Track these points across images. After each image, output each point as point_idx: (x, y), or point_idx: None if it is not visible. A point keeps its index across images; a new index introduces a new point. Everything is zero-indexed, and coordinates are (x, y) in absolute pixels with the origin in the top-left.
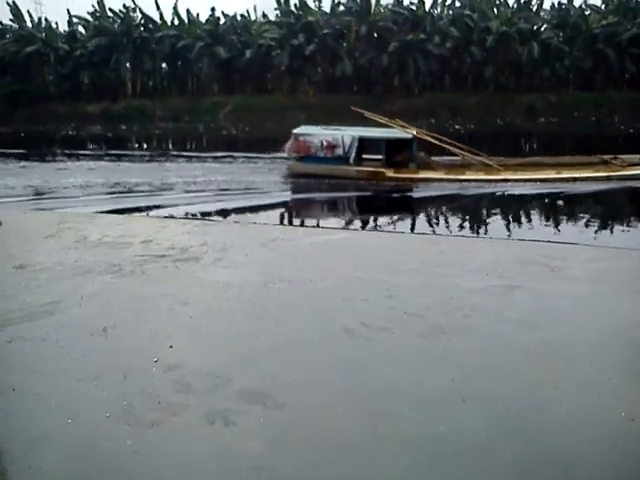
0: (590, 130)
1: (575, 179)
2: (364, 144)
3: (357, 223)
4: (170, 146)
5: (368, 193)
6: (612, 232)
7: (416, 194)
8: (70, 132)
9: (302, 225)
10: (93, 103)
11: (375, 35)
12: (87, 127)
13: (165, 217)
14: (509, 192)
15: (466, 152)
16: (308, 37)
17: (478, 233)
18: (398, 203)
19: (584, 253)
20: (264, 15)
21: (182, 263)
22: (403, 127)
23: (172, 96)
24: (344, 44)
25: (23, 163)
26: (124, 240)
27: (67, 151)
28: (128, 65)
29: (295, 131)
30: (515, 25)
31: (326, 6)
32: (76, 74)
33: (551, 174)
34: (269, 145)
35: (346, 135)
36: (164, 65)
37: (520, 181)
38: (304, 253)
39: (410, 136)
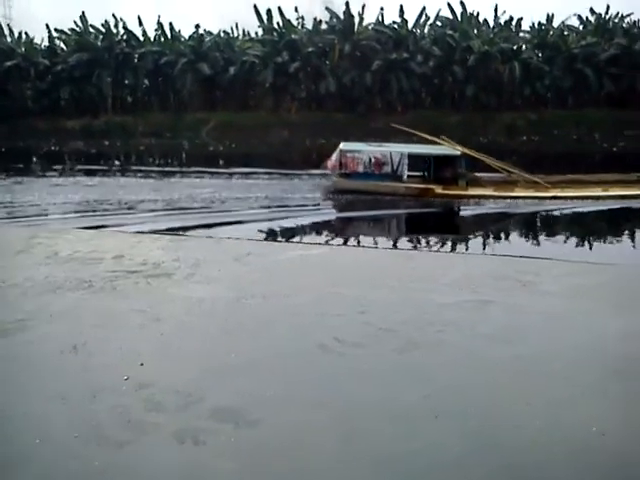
0: (572, 148)
1: (623, 197)
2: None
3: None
4: (166, 161)
5: (428, 209)
6: None
7: (473, 211)
8: (53, 148)
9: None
10: (73, 119)
11: (358, 54)
12: (69, 143)
13: (137, 232)
14: (577, 209)
15: (512, 170)
16: (292, 55)
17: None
18: (463, 221)
19: None
20: (245, 33)
21: (154, 279)
22: (449, 143)
23: (154, 112)
24: (327, 62)
25: (14, 179)
26: (95, 256)
27: (57, 166)
28: (109, 80)
29: (342, 147)
30: (497, 45)
31: (309, 24)
32: (56, 89)
33: (598, 191)
34: (262, 160)
35: (394, 152)
36: (146, 81)
37: (570, 198)
38: (280, 268)
39: (458, 153)
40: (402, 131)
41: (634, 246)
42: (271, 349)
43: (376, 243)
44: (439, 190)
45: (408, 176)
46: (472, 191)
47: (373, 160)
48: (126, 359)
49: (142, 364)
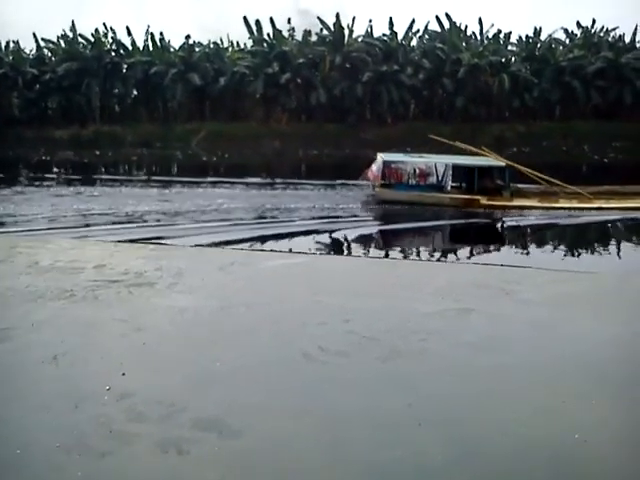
0: (563, 159)
1: None
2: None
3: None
4: (162, 171)
5: (478, 220)
6: None
7: (522, 222)
8: (43, 157)
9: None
10: (61, 128)
11: (349, 65)
12: (58, 152)
13: (119, 241)
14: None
15: (554, 181)
16: (282, 66)
17: None
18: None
19: None
20: (232, 44)
21: (136, 288)
22: (491, 155)
23: (142, 122)
24: (317, 73)
25: (13, 189)
26: (76, 265)
27: (52, 176)
28: (98, 90)
29: (385, 159)
30: (486, 57)
31: (300, 35)
32: (44, 98)
33: None
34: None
35: (439, 163)
36: (135, 91)
37: (615, 209)
38: (263, 277)
39: (503, 164)
40: (386, 142)
41: None
42: (254, 358)
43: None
44: (484, 201)
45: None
46: (517, 202)
47: (417, 171)
48: (108, 369)
49: (124, 374)
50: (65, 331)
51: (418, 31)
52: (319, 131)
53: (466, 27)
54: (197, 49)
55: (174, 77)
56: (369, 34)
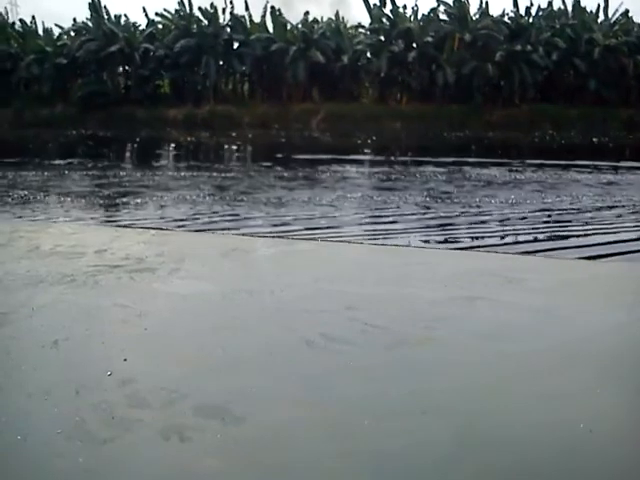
0: None
1: None
2: None
3: None
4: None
5: None
6: None
7: None
8: (184, 138)
9: None
10: (172, 107)
11: (477, 43)
12: (196, 133)
13: (120, 226)
14: None
15: None
16: (406, 44)
17: None
18: None
19: None
20: (343, 20)
21: (137, 274)
22: None
23: (256, 101)
24: (442, 52)
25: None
26: (77, 250)
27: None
28: (215, 68)
29: None
30: (621, 37)
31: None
32: (157, 76)
33: None
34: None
35: None
36: (249, 69)
37: None
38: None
39: None
40: (512, 124)
41: None
42: (257, 345)
43: None
44: None
45: None
46: None
47: None
48: (109, 355)
49: (125, 360)
50: (66, 316)
51: (546, 8)
52: (441, 112)
53: (598, 6)
54: (317, 26)
55: (295, 55)
56: (486, 11)
